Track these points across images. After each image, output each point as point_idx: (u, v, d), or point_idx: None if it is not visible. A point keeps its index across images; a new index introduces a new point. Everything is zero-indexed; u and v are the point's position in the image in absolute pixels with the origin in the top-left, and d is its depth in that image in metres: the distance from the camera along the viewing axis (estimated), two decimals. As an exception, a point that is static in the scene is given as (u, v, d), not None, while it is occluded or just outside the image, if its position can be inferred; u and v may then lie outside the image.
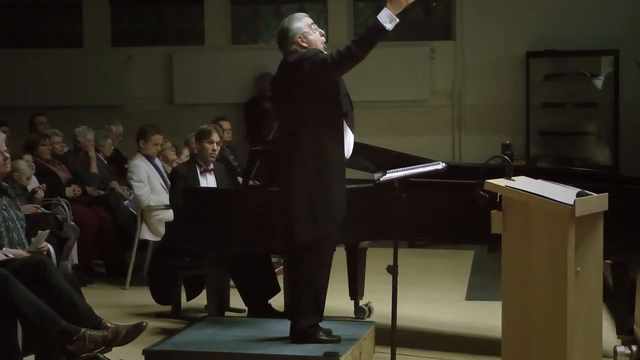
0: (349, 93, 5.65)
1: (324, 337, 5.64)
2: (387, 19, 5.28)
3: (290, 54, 5.60)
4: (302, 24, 5.61)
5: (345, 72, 5.52)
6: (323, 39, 5.68)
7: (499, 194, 4.74)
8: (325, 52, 5.55)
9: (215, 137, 7.59)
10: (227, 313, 7.00)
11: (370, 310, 7.18)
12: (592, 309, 4.80)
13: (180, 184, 7.26)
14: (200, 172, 7.53)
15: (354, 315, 7.15)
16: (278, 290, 7.08)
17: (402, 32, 12.38)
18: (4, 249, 5.35)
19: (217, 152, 7.66)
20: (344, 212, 5.60)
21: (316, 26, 5.68)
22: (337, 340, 5.65)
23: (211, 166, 7.59)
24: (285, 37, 5.60)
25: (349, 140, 5.62)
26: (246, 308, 7.11)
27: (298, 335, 5.65)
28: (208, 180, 7.53)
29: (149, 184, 8.58)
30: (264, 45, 12.33)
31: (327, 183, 5.51)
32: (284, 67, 5.63)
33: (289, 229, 5.60)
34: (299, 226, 5.55)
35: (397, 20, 5.30)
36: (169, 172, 8.25)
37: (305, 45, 5.58)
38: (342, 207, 5.58)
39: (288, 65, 5.58)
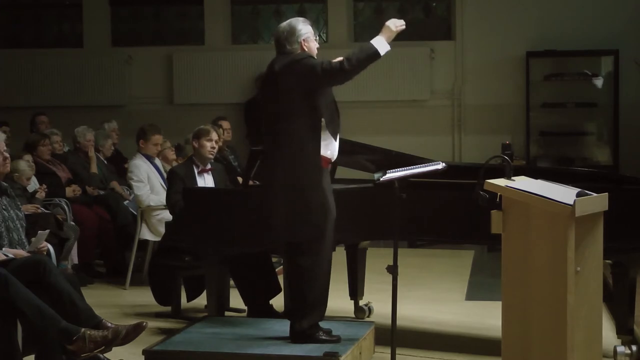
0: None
1: (324, 337, 5.65)
2: (380, 44, 5.53)
3: (286, 54, 5.68)
4: (309, 29, 5.75)
5: (331, 86, 5.64)
6: (316, 50, 5.79)
7: (499, 194, 4.74)
8: (316, 59, 5.63)
9: (214, 135, 7.64)
10: (227, 313, 7.00)
11: (370, 310, 7.18)
12: (592, 309, 4.80)
13: (178, 184, 7.27)
14: (198, 173, 7.54)
15: (354, 315, 7.15)
16: (278, 290, 7.07)
17: (402, 32, 12.36)
18: (4, 249, 5.35)
19: (215, 151, 7.68)
20: (321, 213, 5.61)
21: (316, 37, 5.81)
22: (337, 340, 5.66)
23: (209, 166, 7.60)
24: (291, 35, 5.69)
25: (333, 146, 5.68)
26: (246, 308, 7.11)
27: (297, 335, 5.66)
28: (206, 181, 7.54)
29: (148, 184, 8.58)
30: (264, 45, 12.31)
31: (301, 184, 5.57)
32: (274, 67, 5.70)
33: (285, 228, 5.65)
34: (292, 226, 5.64)
35: (389, 48, 5.56)
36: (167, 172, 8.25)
37: (305, 49, 5.71)
38: (319, 210, 5.59)
39: (279, 66, 5.66)
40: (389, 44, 5.56)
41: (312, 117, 5.58)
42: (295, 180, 5.59)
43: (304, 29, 5.72)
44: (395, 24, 5.60)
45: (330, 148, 5.66)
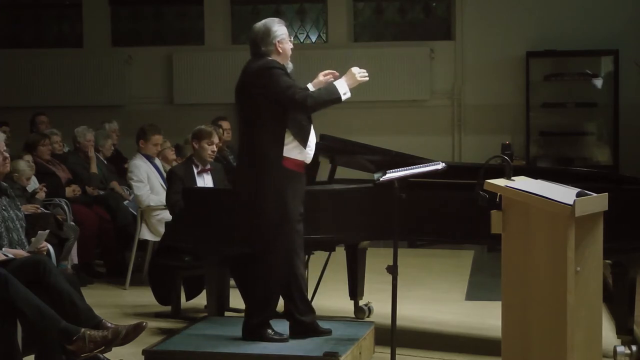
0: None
1: (273, 336, 5.69)
2: (343, 89, 5.62)
3: (260, 55, 5.68)
4: (284, 30, 5.74)
5: (288, 110, 5.58)
6: (290, 52, 5.78)
7: (499, 194, 4.74)
8: (287, 76, 5.61)
9: (216, 138, 7.67)
10: (227, 313, 6.99)
11: (370, 310, 7.18)
12: (592, 309, 4.80)
13: (178, 184, 7.29)
14: (197, 173, 7.56)
15: (354, 315, 7.14)
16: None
17: (402, 32, 12.40)
18: (3, 249, 5.35)
19: (215, 154, 7.70)
20: (275, 219, 5.59)
21: (291, 39, 5.81)
22: (286, 339, 5.68)
23: (208, 166, 7.61)
24: (266, 36, 5.68)
25: (305, 150, 5.66)
26: (246, 308, 7.11)
27: (247, 332, 5.72)
28: (205, 181, 7.56)
29: (148, 184, 8.58)
30: (264, 45, 12.30)
31: (257, 190, 5.58)
32: (247, 70, 5.71)
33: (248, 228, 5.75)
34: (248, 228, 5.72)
35: (350, 95, 5.66)
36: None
37: (280, 51, 5.69)
38: (274, 210, 5.58)
39: (249, 70, 5.68)
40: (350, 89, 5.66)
41: (276, 126, 5.59)
42: (251, 186, 5.61)
43: (279, 30, 5.70)
44: (360, 74, 5.67)
45: (300, 150, 5.64)
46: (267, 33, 5.68)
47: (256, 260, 5.72)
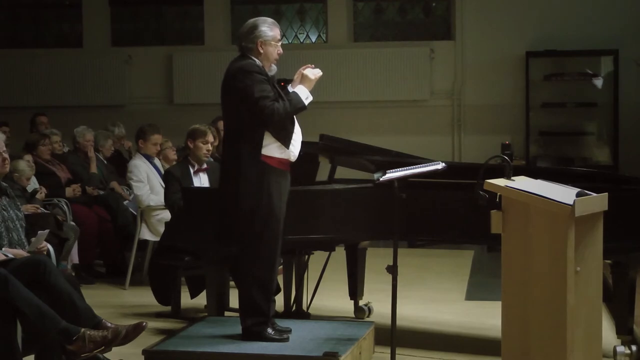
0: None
1: (272, 335, 5.67)
2: (304, 95, 5.64)
3: (242, 53, 5.65)
4: (272, 33, 5.66)
5: (257, 118, 5.55)
6: (277, 57, 5.71)
7: (498, 194, 4.74)
8: (264, 83, 5.55)
9: (210, 137, 7.67)
10: (227, 313, 6.99)
11: (370, 310, 7.18)
12: (592, 309, 4.80)
13: (175, 184, 7.31)
14: (194, 172, 7.57)
15: (354, 315, 7.14)
16: (278, 290, 7.07)
17: (402, 32, 12.41)
18: (3, 249, 5.34)
19: (210, 153, 7.71)
20: (256, 219, 5.57)
21: (280, 44, 5.72)
22: (286, 339, 5.66)
23: (204, 165, 7.62)
24: (250, 33, 5.62)
25: (288, 150, 5.63)
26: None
27: (246, 333, 5.71)
28: (202, 180, 7.58)
29: (148, 184, 8.58)
30: (263, 45, 12.31)
31: (236, 192, 5.56)
32: (228, 71, 5.69)
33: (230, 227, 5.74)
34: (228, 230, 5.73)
35: (311, 97, 5.65)
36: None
37: (261, 51, 5.62)
38: (259, 206, 5.55)
39: (230, 69, 5.65)
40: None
41: (256, 125, 5.55)
42: (229, 187, 5.61)
43: (267, 31, 5.62)
44: (314, 74, 5.65)
45: (283, 149, 5.61)
46: (251, 30, 5.62)
47: (241, 260, 5.71)
